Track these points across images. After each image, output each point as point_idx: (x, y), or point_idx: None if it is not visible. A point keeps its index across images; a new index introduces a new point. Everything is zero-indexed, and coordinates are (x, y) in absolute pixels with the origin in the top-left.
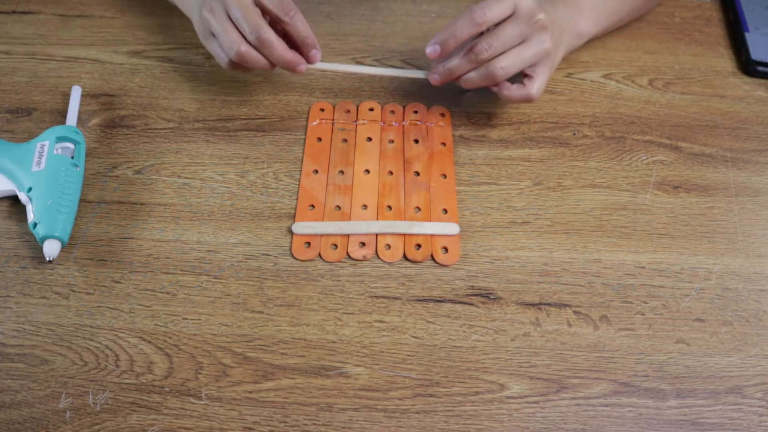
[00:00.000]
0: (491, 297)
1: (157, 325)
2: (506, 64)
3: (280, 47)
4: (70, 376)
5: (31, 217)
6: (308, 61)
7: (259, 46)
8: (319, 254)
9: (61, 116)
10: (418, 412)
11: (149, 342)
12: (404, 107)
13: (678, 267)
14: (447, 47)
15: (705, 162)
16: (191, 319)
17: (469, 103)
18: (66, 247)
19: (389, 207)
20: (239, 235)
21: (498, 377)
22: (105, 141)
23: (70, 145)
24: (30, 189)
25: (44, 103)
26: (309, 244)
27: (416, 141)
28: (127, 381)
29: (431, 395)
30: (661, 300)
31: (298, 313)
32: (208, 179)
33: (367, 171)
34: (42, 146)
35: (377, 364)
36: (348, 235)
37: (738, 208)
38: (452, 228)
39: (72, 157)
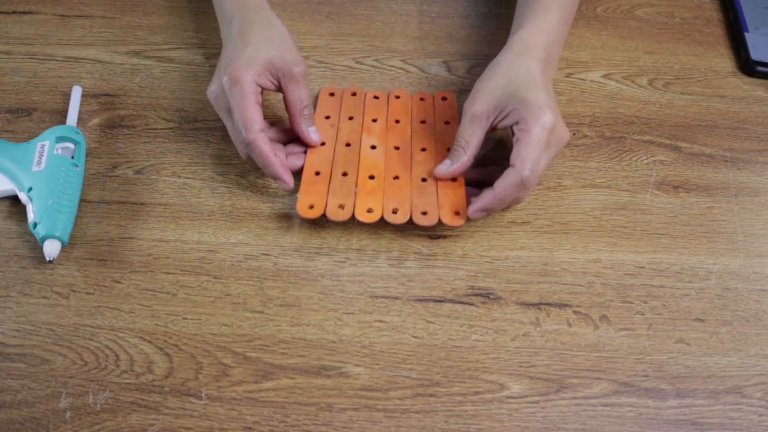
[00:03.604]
0: (491, 297)
1: (157, 325)
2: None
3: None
4: (70, 376)
5: (31, 217)
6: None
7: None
8: (324, 213)
9: (61, 116)
10: (418, 412)
11: (149, 342)
12: (412, 94)
13: (678, 267)
14: (492, 210)
15: (705, 162)
16: (191, 319)
17: None
18: (66, 247)
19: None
20: (239, 235)
21: (498, 377)
22: (105, 141)
23: (71, 145)
24: (30, 189)
25: (44, 103)
26: (312, 206)
27: (423, 149)
28: (127, 381)
29: (431, 395)
30: (661, 300)
31: (298, 313)
32: (208, 179)
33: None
34: (42, 146)
35: (377, 364)
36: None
37: (738, 208)
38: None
39: (72, 157)
